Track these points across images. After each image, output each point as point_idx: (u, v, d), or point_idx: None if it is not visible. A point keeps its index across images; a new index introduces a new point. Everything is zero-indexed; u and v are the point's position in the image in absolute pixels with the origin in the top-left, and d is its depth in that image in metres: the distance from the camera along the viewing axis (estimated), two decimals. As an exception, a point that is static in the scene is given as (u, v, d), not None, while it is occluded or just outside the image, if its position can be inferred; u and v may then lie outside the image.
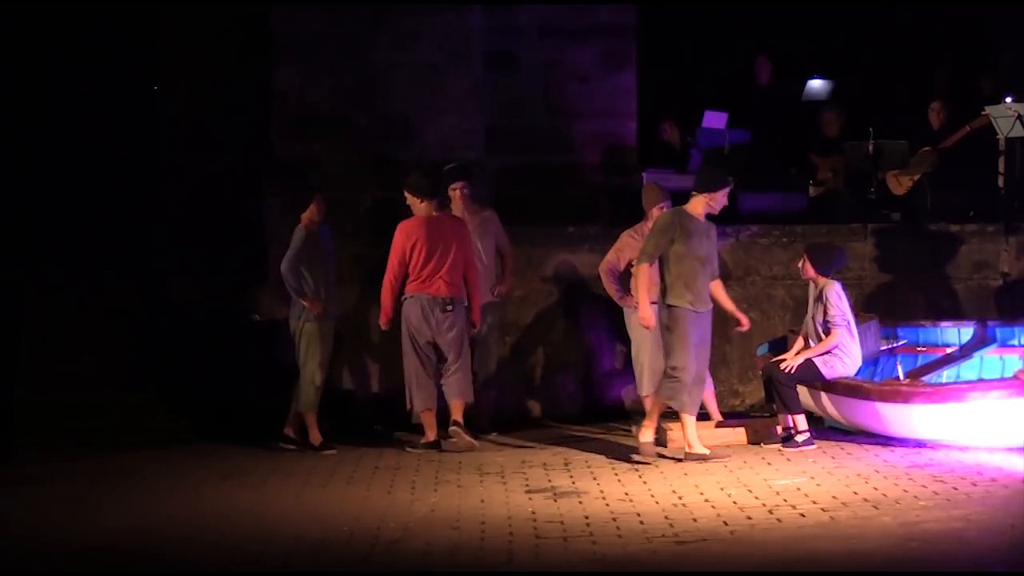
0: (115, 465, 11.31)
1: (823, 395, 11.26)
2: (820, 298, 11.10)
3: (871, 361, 11.90)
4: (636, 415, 12.61)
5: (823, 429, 11.47)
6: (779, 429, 11.20)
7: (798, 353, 11.17)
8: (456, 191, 11.99)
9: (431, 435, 11.58)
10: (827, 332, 11.06)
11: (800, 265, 11.28)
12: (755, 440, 11.34)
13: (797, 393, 11.10)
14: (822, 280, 11.15)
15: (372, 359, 12.80)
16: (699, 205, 10.75)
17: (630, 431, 11.95)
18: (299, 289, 11.44)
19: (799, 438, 11.05)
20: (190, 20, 14.10)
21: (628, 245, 11.65)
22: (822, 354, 11.06)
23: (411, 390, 11.60)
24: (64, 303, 13.11)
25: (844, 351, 11.10)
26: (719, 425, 11.56)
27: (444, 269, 11.45)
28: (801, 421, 11.09)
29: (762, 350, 11.98)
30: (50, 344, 12.79)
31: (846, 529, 8.60)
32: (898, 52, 16.14)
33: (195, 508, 9.85)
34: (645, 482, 10.14)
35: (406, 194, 11.54)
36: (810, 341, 11.21)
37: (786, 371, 11.07)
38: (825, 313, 11.06)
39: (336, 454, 11.47)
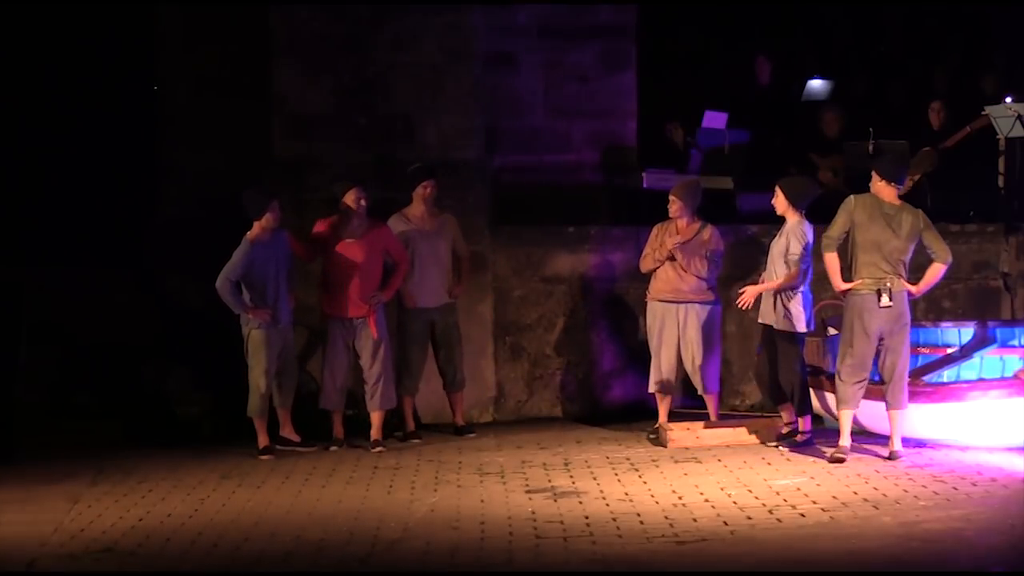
0: (115, 465, 11.31)
1: (824, 395, 11.26)
2: (785, 234, 11.06)
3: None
4: (638, 415, 12.65)
5: (823, 429, 11.46)
6: (784, 428, 11.19)
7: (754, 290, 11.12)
8: (427, 189, 12.01)
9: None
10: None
11: (772, 200, 11.23)
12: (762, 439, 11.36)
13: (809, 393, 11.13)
14: (792, 215, 11.09)
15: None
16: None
17: (624, 430, 12.00)
18: (236, 304, 11.39)
19: (800, 438, 11.07)
20: (189, 20, 14.10)
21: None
22: (780, 294, 10.99)
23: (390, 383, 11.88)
24: (64, 303, 13.10)
25: (804, 299, 11.05)
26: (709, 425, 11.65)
27: None
28: (806, 422, 11.10)
29: (762, 349, 11.96)
30: (50, 344, 12.77)
31: (846, 529, 8.61)
32: (898, 52, 16.14)
33: (195, 508, 9.85)
34: (645, 482, 10.14)
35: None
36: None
37: (742, 306, 11.07)
38: (788, 249, 11.02)
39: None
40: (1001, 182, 12.84)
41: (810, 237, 11.01)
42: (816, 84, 15.48)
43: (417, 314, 12.02)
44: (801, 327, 11.03)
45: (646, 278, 11.90)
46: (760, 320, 11.30)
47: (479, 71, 13.07)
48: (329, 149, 12.76)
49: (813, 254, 10.98)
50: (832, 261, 10.64)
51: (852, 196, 10.70)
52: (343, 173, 12.36)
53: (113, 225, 14.26)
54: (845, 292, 10.63)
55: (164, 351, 12.99)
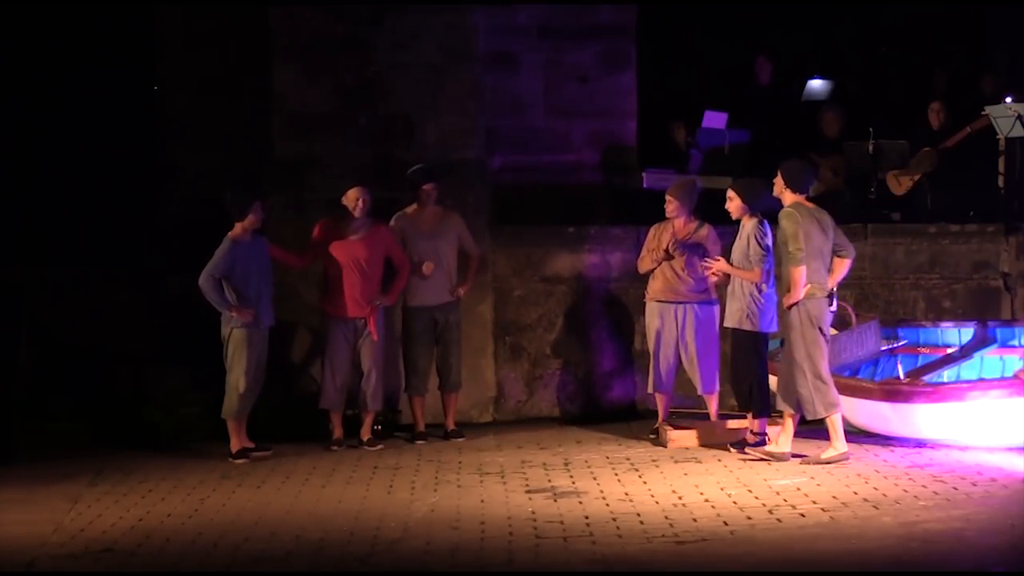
0: (115, 465, 11.31)
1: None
2: (745, 236, 11.08)
3: (871, 361, 11.92)
4: (638, 415, 12.67)
5: (823, 430, 11.46)
6: (750, 435, 11.18)
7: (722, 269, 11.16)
8: (428, 192, 12.02)
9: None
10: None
11: (726, 205, 11.22)
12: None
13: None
14: (749, 218, 11.11)
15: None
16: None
17: (625, 428, 11.99)
18: (220, 301, 11.32)
19: (751, 439, 11.09)
20: (190, 20, 14.10)
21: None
22: (744, 294, 11.01)
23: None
24: (64, 303, 13.10)
25: (769, 300, 11.06)
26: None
27: None
28: (761, 424, 11.11)
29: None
30: (50, 344, 12.77)
31: (846, 529, 8.61)
32: (898, 52, 16.15)
33: (195, 508, 9.86)
34: (645, 482, 10.14)
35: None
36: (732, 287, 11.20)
37: (707, 274, 11.19)
38: (749, 250, 11.01)
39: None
40: (1001, 182, 12.85)
41: (769, 237, 11.02)
42: (816, 84, 15.48)
43: (419, 312, 12.04)
44: (763, 326, 11.05)
45: (646, 278, 11.90)
46: (726, 324, 11.32)
47: (479, 71, 13.07)
48: (329, 149, 12.76)
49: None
50: (801, 274, 10.51)
51: (791, 208, 10.58)
52: (343, 173, 12.38)
53: (114, 225, 14.27)
54: (793, 303, 10.55)
55: (164, 351, 12.98)
